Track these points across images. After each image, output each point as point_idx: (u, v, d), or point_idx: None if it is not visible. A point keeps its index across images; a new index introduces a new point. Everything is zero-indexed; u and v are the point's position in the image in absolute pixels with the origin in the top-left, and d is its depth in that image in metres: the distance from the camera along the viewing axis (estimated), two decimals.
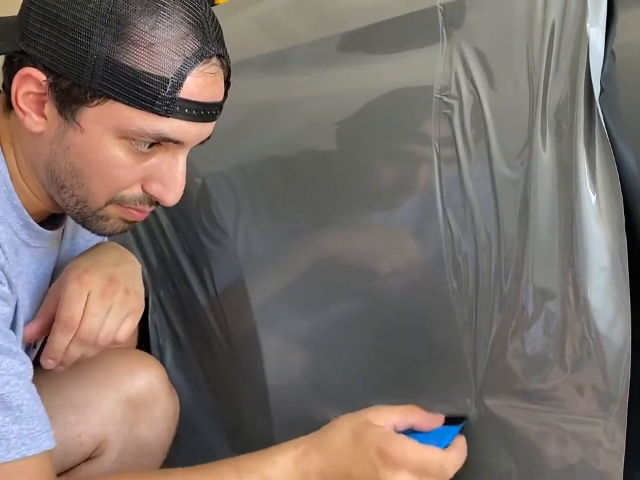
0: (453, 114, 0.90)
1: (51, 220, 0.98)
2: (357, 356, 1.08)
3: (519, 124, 0.82)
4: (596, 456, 0.75)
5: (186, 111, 0.84)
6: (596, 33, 0.73)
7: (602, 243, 0.72)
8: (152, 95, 0.82)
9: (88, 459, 1.09)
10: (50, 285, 1.01)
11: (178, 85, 0.82)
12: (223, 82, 0.87)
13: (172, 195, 0.88)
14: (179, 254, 1.39)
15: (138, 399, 1.12)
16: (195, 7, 0.84)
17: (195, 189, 1.22)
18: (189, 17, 0.83)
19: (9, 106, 0.89)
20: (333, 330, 1.11)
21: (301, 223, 1.13)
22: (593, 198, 0.73)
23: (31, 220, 0.92)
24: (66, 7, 0.82)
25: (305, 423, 1.15)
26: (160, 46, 0.81)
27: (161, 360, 1.39)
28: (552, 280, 0.77)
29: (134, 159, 0.86)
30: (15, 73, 0.85)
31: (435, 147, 0.92)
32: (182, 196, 0.90)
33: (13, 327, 0.89)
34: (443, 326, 0.94)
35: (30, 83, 0.85)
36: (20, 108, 0.86)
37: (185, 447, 1.30)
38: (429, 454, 0.86)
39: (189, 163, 0.91)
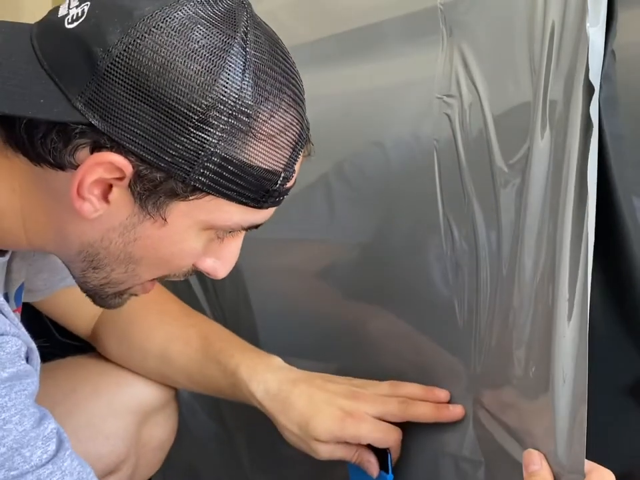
0: (453, 114, 0.90)
1: None
2: (356, 357, 1.08)
3: (519, 124, 0.82)
4: None
5: (282, 198, 0.75)
6: (596, 33, 0.73)
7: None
8: (263, 190, 0.72)
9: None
10: None
11: (289, 178, 0.73)
12: None
13: (225, 271, 0.80)
14: None
15: (147, 408, 1.12)
16: (298, 80, 0.73)
17: None
18: (296, 95, 0.72)
19: (6, 144, 0.72)
20: (333, 331, 1.11)
21: (301, 225, 1.13)
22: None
23: None
24: (177, 93, 0.66)
25: None
26: (277, 137, 0.70)
27: None
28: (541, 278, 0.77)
29: (207, 246, 0.77)
30: (74, 149, 0.68)
31: (435, 147, 0.92)
32: None
33: None
34: (444, 327, 0.94)
35: (103, 169, 0.68)
36: (80, 195, 0.69)
37: (185, 446, 1.31)
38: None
39: None
